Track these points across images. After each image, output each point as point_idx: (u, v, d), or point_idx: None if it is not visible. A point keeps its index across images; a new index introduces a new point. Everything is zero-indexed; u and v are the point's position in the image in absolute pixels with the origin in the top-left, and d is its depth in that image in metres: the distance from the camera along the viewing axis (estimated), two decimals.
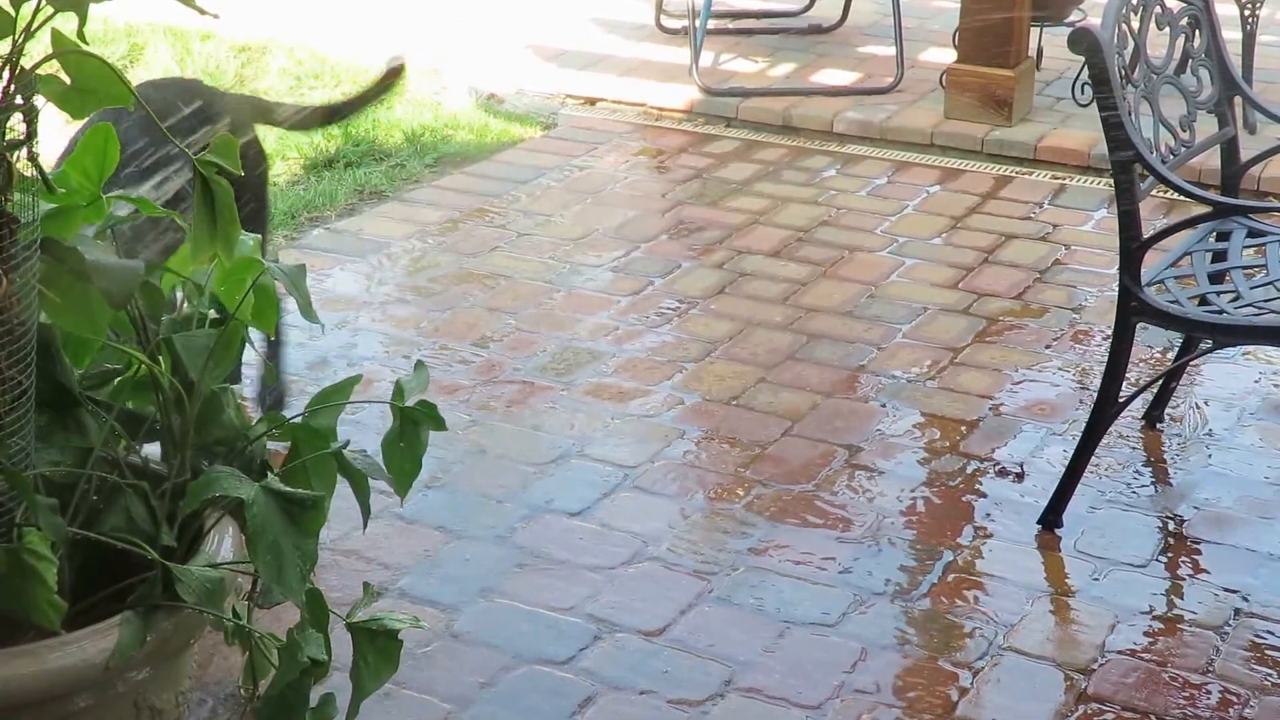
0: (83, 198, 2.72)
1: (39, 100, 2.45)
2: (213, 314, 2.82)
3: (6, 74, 2.39)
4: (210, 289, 2.83)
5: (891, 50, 7.12)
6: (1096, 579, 3.72)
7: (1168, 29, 4.12)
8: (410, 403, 2.83)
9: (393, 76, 4.44)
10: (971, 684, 3.36)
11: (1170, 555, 3.82)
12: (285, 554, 2.56)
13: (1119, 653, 3.46)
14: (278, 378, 4.31)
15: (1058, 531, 3.89)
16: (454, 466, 4.12)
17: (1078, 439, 3.92)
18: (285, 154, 6.20)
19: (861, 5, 7.99)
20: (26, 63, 2.42)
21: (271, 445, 2.88)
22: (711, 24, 7.35)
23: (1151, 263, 3.84)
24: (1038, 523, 3.91)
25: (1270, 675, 3.40)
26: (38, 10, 2.41)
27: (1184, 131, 4.09)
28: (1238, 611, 3.61)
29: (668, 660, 3.41)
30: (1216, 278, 3.93)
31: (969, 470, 4.17)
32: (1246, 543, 3.87)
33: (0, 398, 2.46)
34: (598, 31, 7.86)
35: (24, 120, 2.44)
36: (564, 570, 3.72)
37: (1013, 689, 3.35)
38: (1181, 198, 4.15)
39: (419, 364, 2.92)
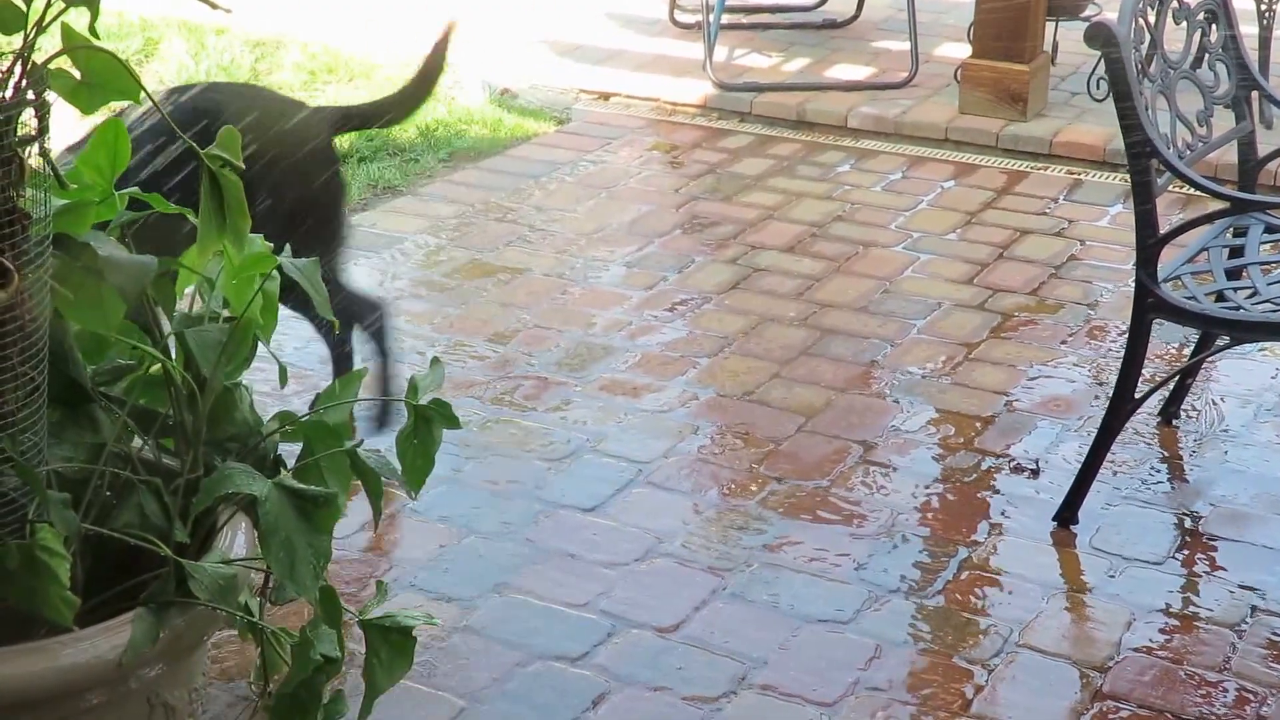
0: (95, 194, 2.72)
1: (50, 95, 2.45)
2: (225, 312, 2.81)
3: (18, 69, 2.39)
4: (220, 286, 2.82)
5: (906, 45, 7.11)
6: (1112, 576, 3.70)
7: (1184, 23, 4.10)
8: (425, 400, 2.82)
9: (445, 40, 4.41)
10: (986, 681, 3.35)
11: (1186, 552, 3.80)
12: (298, 551, 2.55)
13: (1135, 650, 3.45)
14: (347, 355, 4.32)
15: (1073, 528, 3.87)
16: (467, 462, 4.11)
17: (1093, 435, 3.91)
18: None
19: (875, 0, 7.97)
20: (38, 58, 2.41)
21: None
22: (725, 19, 7.34)
23: (1168, 259, 3.82)
24: (1053, 519, 3.90)
25: None
26: (49, 5, 2.40)
27: (1201, 127, 4.07)
28: (1254, 609, 3.59)
29: (681, 657, 3.40)
30: (1234, 274, 3.91)
31: (984, 466, 4.16)
32: (1263, 540, 3.85)
33: (13, 394, 2.45)
34: (612, 26, 7.85)
35: (36, 116, 2.43)
36: (577, 566, 3.71)
37: (1028, 686, 3.33)
38: (1198, 193, 4.14)
39: (434, 360, 2.91)
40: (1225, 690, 3.33)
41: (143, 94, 2.49)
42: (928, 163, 6.35)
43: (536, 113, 6.83)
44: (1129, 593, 3.64)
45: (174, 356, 2.77)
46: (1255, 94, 4.25)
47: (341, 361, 4.30)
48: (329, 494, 2.61)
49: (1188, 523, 3.92)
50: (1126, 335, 3.84)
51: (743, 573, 3.70)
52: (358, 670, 2.82)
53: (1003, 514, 3.95)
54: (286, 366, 3.00)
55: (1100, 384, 4.56)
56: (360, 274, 5.21)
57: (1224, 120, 4.17)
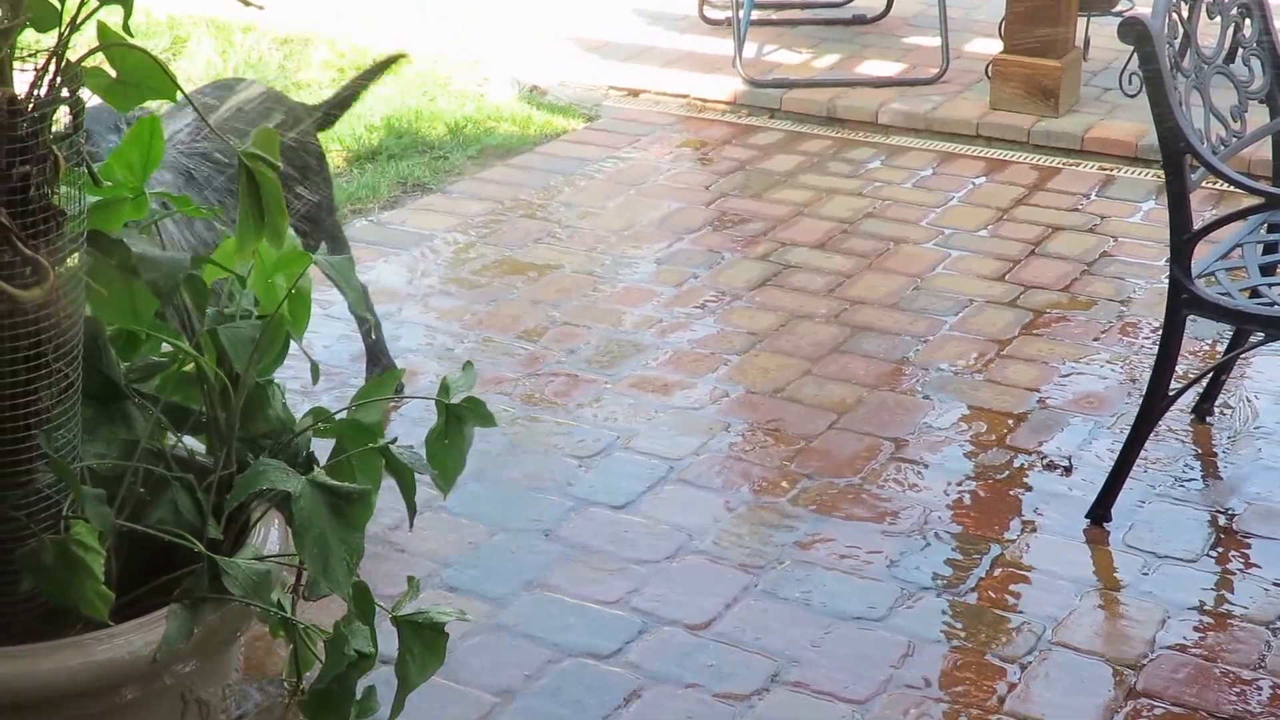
0: (128, 191, 2.72)
1: (84, 93, 2.45)
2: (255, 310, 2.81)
3: (53, 67, 2.39)
4: (251, 283, 2.83)
5: (936, 40, 7.09)
6: (1146, 573, 3.69)
7: (1218, 18, 4.08)
8: (457, 399, 2.82)
9: (387, 63, 4.49)
10: (1020, 679, 3.34)
11: (1220, 550, 3.79)
12: (331, 547, 2.55)
13: (1169, 648, 3.44)
14: (381, 355, 4.42)
15: (1106, 526, 3.86)
16: (498, 459, 4.11)
17: (1126, 432, 3.89)
18: (328, 146, 6.19)
19: None
20: (72, 55, 2.42)
21: None
22: (755, 15, 7.33)
23: (1201, 255, 3.80)
24: (1086, 517, 3.89)
25: None
26: (83, 3, 2.41)
27: (1235, 122, 4.05)
28: None
29: (713, 654, 3.40)
30: (1268, 269, 3.90)
31: (1016, 464, 4.14)
32: None
33: (47, 390, 2.46)
34: (641, 23, 7.85)
35: (70, 113, 2.44)
36: (609, 563, 3.70)
37: (1061, 684, 3.32)
38: (1232, 189, 4.12)
39: (467, 364, 2.91)
40: (1260, 688, 3.31)
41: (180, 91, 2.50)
42: (959, 159, 6.33)
43: (566, 109, 6.83)
44: (1162, 590, 3.63)
45: (205, 353, 2.77)
46: None
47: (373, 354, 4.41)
48: (362, 490, 2.61)
49: (1221, 520, 3.91)
50: (1160, 332, 3.83)
51: (774, 570, 3.69)
52: (389, 666, 2.82)
53: (1035, 511, 3.94)
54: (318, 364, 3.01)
55: (1133, 381, 4.54)
56: (390, 271, 5.23)
57: (1258, 115, 4.15)
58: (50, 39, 2.40)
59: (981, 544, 3.80)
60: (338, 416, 2.85)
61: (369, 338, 4.41)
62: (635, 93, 7.07)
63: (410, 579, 2.93)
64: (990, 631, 3.49)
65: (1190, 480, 4.07)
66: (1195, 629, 3.50)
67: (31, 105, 2.38)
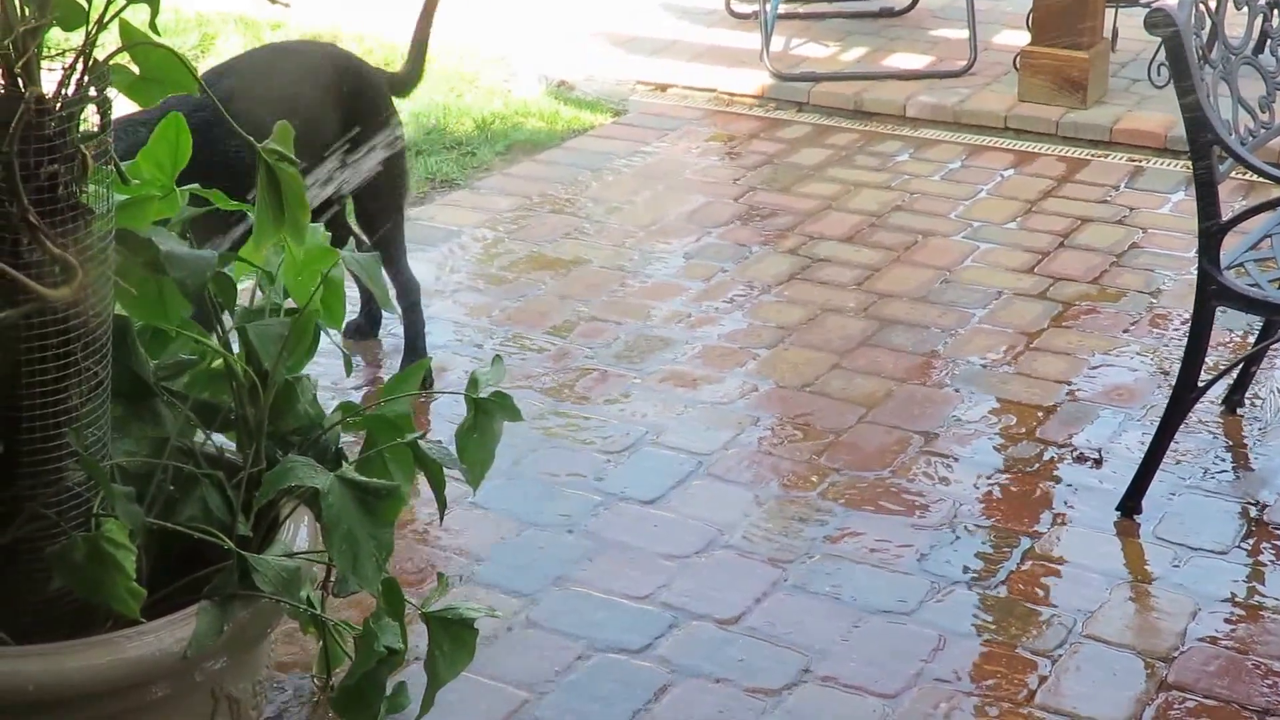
0: (156, 189, 2.73)
1: (110, 91, 2.46)
2: (286, 304, 2.82)
3: (80, 66, 2.40)
4: (280, 279, 2.83)
5: (964, 33, 7.07)
6: (1177, 566, 3.68)
7: (1245, 8, 4.07)
8: (485, 393, 2.82)
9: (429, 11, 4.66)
10: (1050, 672, 3.33)
11: (1252, 541, 3.77)
12: (361, 544, 2.56)
13: (1200, 640, 3.42)
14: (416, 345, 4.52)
15: (1137, 518, 3.85)
16: (527, 455, 4.11)
17: (1156, 424, 3.88)
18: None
19: None
20: (99, 54, 2.43)
21: None
22: (782, 8, 7.31)
23: (1231, 245, 3.79)
24: (1116, 509, 3.87)
25: None
26: (110, 1, 2.41)
27: (1263, 112, 4.03)
28: None
29: (743, 649, 3.39)
30: None
31: (1046, 456, 4.13)
32: None
33: (76, 389, 2.47)
34: (668, 17, 7.84)
35: (98, 112, 2.45)
36: (638, 558, 3.70)
37: (1092, 677, 3.31)
38: (1261, 179, 4.10)
39: (496, 357, 2.91)
40: None
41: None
42: (987, 151, 6.32)
43: (593, 104, 6.83)
44: (1194, 582, 3.62)
45: (235, 350, 2.78)
46: None
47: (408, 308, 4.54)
48: (391, 486, 2.62)
49: (1253, 511, 3.89)
50: (1189, 323, 3.82)
51: (804, 564, 3.69)
52: (419, 663, 2.83)
53: (1065, 504, 3.93)
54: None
55: (1163, 373, 4.53)
56: (419, 267, 5.23)
57: None
58: (77, 38, 2.41)
59: (1011, 537, 3.79)
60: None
61: (412, 326, 4.50)
62: (663, 87, 7.07)
63: (440, 575, 2.94)
64: (1021, 625, 3.48)
65: (1221, 472, 4.06)
66: (1226, 621, 3.49)
67: (59, 104, 2.39)
